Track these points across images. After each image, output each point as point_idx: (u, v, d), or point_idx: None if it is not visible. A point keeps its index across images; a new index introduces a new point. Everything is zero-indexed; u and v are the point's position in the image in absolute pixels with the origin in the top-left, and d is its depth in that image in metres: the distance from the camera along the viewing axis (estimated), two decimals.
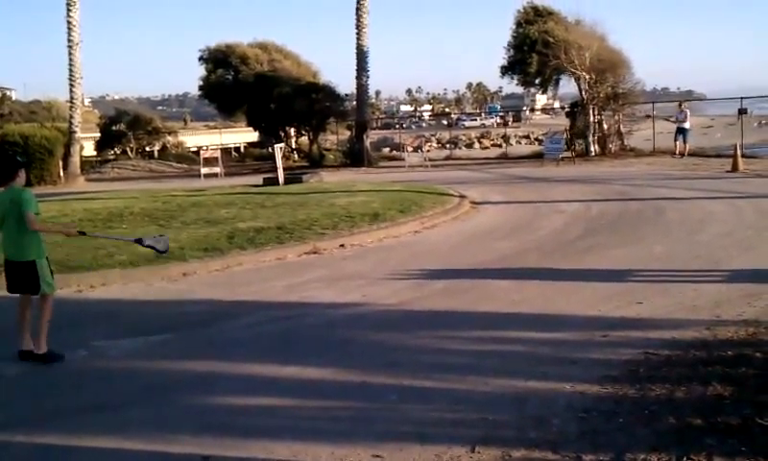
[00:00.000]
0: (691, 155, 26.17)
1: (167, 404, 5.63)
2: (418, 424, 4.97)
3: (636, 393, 5.30)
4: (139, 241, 7.69)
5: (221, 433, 4.98)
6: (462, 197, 17.10)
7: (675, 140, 26.60)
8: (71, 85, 31.84)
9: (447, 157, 34.90)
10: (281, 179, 23.06)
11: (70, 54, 31.53)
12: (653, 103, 29.62)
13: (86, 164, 36.78)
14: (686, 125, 26.20)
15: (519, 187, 19.97)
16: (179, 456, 4.69)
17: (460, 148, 44.84)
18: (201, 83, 38.46)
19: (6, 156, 7.83)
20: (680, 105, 27.32)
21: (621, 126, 29.65)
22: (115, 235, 6.20)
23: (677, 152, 26.10)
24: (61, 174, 30.68)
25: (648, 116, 30.92)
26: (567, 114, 32.86)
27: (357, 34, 32.91)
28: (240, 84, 36.02)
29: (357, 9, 32.64)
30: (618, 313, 7.32)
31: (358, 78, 33.49)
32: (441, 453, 4.49)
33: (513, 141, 46.36)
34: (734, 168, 20.59)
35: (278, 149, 24.98)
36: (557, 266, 9.73)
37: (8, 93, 43.04)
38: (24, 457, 4.83)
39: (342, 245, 12.13)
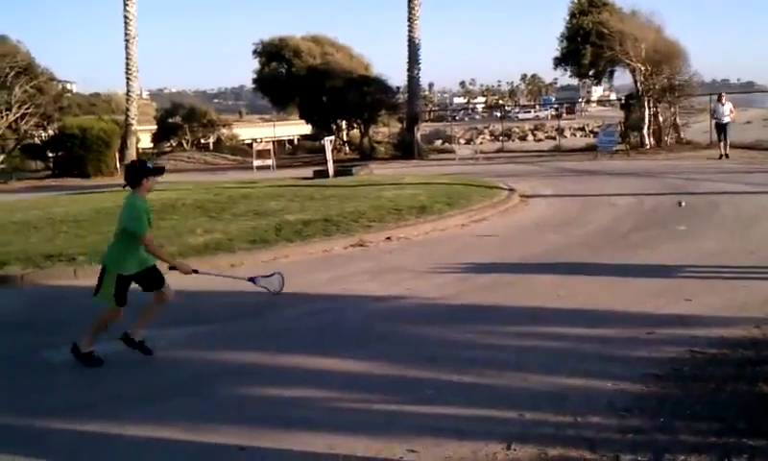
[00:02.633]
0: (749, 148, 25.42)
1: (207, 395, 5.72)
2: (454, 419, 4.95)
3: (679, 392, 5.19)
4: (252, 280, 7.28)
5: (259, 424, 5.03)
6: (511, 190, 16.95)
7: (719, 140, 23.36)
8: (128, 79, 32.50)
9: (499, 150, 34.62)
10: (331, 171, 23.19)
11: (127, 48, 32.18)
12: (710, 95, 28.88)
13: (143, 156, 37.48)
14: (726, 119, 23.03)
15: (571, 180, 19.72)
16: (216, 446, 4.75)
17: (513, 140, 44.43)
18: (255, 76, 38.80)
19: (137, 162, 7.78)
20: (720, 97, 24.20)
21: (677, 118, 29.03)
22: (227, 273, 6.10)
23: (722, 152, 22.77)
24: (118, 166, 31.33)
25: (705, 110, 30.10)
26: (622, 106, 32.31)
27: (409, 26, 32.90)
28: (293, 78, 36.25)
29: (409, 0, 32.58)
30: (665, 310, 7.17)
31: (410, 70, 33.48)
32: (477, 450, 4.46)
33: (567, 134, 45.72)
34: None
35: (328, 142, 25.11)
36: (605, 261, 9.58)
37: (68, 86, 44.04)
38: (66, 444, 4.94)
39: (388, 238, 12.14)
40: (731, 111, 23.02)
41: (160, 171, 6.98)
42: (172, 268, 6.97)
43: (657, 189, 16.31)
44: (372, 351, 6.45)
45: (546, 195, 16.84)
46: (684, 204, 6.39)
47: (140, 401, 5.65)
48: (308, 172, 24.45)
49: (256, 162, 30.29)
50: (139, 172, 6.70)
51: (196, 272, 7.11)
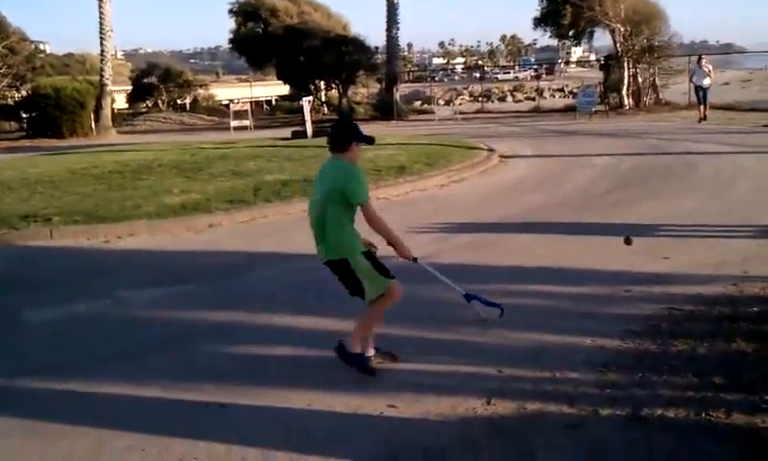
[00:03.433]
0: (728, 109, 25.51)
1: (186, 354, 5.68)
2: (434, 375, 4.96)
3: (657, 348, 5.23)
4: (469, 297, 5.34)
5: (239, 382, 5.02)
6: (491, 150, 16.91)
7: (698, 102, 22.49)
8: (101, 38, 31.89)
9: (479, 111, 34.50)
10: (310, 132, 23.03)
11: (101, 7, 31.52)
12: (689, 57, 28.85)
13: (118, 117, 37.00)
14: (706, 82, 22.16)
15: (550, 141, 19.72)
16: (196, 404, 4.73)
17: (492, 101, 44.23)
18: (231, 36, 38.30)
19: (345, 121, 5.81)
20: (699, 59, 23.33)
21: (656, 79, 29.03)
22: (450, 282, 4.61)
23: (701, 115, 22.05)
24: (93, 126, 30.93)
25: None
26: (602, 67, 32.25)
27: None
28: (270, 37, 35.80)
29: None
30: (643, 268, 7.21)
31: (388, 30, 33.17)
32: (456, 405, 4.48)
33: (546, 94, 45.52)
34: None
35: (307, 102, 24.89)
36: (584, 220, 9.60)
37: (40, 46, 43.22)
38: (46, 403, 4.90)
39: None
40: (710, 72, 22.82)
41: (371, 140, 5.26)
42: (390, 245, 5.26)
43: (635, 149, 16.34)
44: (351, 310, 6.40)
45: (526, 155, 16.82)
46: (633, 240, 6.07)
47: (120, 361, 5.61)
48: (286, 133, 24.26)
49: (234, 123, 30.02)
50: (350, 133, 5.08)
51: (415, 260, 5.34)
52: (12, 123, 36.25)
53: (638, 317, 5.86)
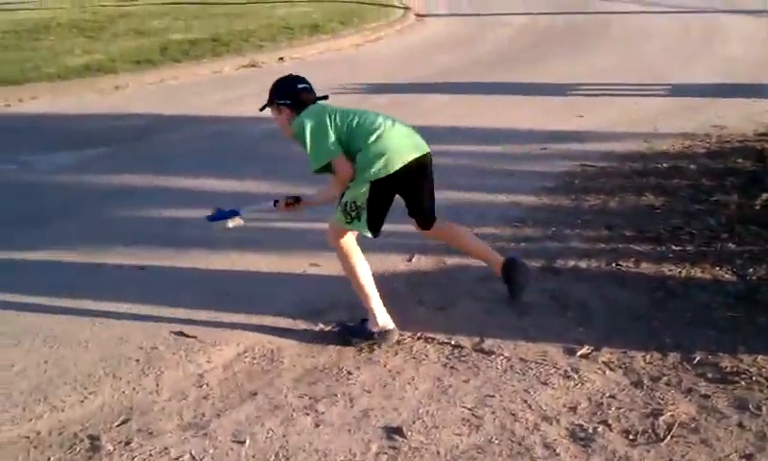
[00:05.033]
0: None
1: (99, 218, 5.53)
2: None
3: (570, 203, 5.38)
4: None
5: (157, 245, 4.94)
6: (407, 9, 16.54)
7: None
8: None
9: None
10: None
11: None
12: None
13: None
14: None
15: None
16: (113, 267, 4.64)
17: None
18: None
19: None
20: None
21: None
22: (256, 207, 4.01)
23: None
24: None
25: None
26: None
27: None
28: None
29: None
30: (558, 126, 7.32)
31: None
32: (378, 261, 4.49)
33: None
34: None
35: None
36: (500, 80, 9.61)
37: None
38: None
39: (281, 58, 11.75)
40: None
41: (300, 100, 3.83)
42: None
43: (550, 9, 16.27)
44: (269, 172, 6.32)
45: (442, 14, 16.55)
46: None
47: (31, 225, 5.40)
48: None
49: None
50: (273, 90, 3.94)
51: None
52: None
53: (553, 174, 5.99)
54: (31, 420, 3.13)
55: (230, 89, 9.81)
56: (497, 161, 6.41)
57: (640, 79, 9.26)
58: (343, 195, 3.64)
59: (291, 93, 3.81)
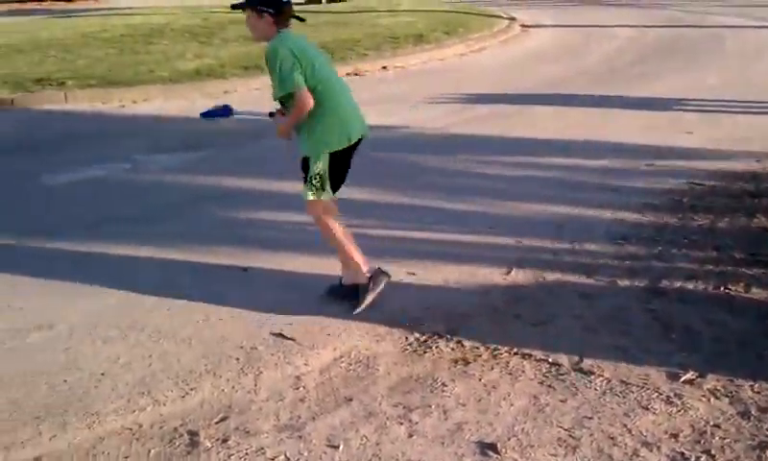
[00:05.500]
0: None
1: (204, 218, 5.70)
2: (453, 245, 4.97)
3: (677, 222, 5.21)
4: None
5: (260, 247, 5.04)
6: (512, 19, 16.45)
7: None
8: None
9: None
10: None
11: None
12: None
13: None
14: None
15: (573, 11, 19.11)
16: (219, 267, 4.77)
17: None
18: None
19: None
20: None
21: None
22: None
23: None
24: None
25: None
26: None
27: None
28: None
29: None
30: (666, 142, 7.10)
31: None
32: (475, 273, 4.50)
33: None
34: None
35: None
36: (605, 93, 9.40)
37: None
38: (65, 264, 4.95)
39: (384, 67, 11.86)
40: None
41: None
42: None
43: (659, 22, 15.86)
44: (369, 179, 6.34)
45: (547, 25, 16.36)
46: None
47: (138, 224, 5.64)
48: None
49: None
50: None
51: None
52: None
53: (659, 191, 5.81)
54: (134, 412, 3.26)
55: None
56: (601, 176, 6.27)
57: (755, 96, 8.88)
58: (306, 171, 3.97)
59: (275, 3, 3.90)
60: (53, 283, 4.62)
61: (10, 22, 20.50)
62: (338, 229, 4.08)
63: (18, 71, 11.55)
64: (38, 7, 27.81)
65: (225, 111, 4.02)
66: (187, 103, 9.83)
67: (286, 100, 3.92)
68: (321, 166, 3.95)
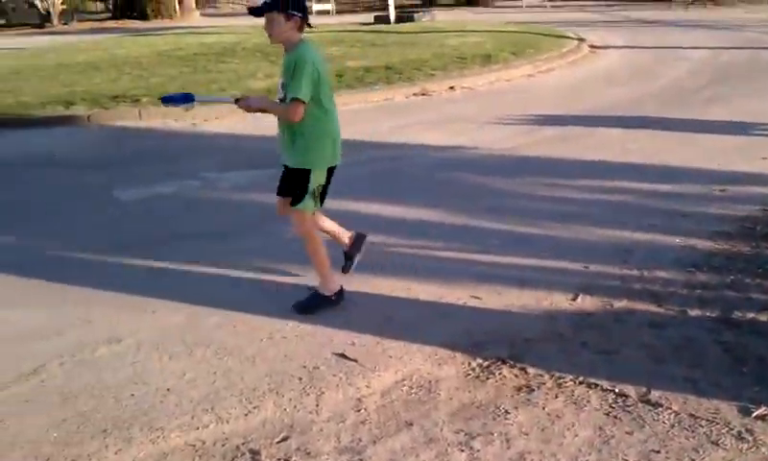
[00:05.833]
0: None
1: (272, 236, 5.76)
2: (518, 269, 4.92)
3: (750, 251, 5.05)
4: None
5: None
6: (580, 40, 16.29)
7: None
8: None
9: None
10: (392, 17, 22.56)
11: None
12: None
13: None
14: None
15: (643, 31, 18.85)
16: (285, 285, 4.82)
17: None
18: None
19: None
20: None
21: None
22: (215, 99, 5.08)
23: None
24: (177, 8, 31.04)
25: None
26: None
27: None
28: None
29: None
30: (739, 168, 6.91)
31: None
32: (540, 298, 4.44)
33: None
34: None
35: None
36: (677, 116, 9.22)
37: None
38: (136, 278, 5.08)
39: (451, 87, 11.86)
40: None
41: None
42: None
43: (733, 43, 15.49)
44: (436, 200, 6.40)
45: (617, 46, 16.15)
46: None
47: (208, 240, 5.75)
48: (369, 17, 23.83)
49: (315, 6, 29.63)
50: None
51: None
52: (99, 4, 36.72)
53: (732, 218, 5.65)
54: (197, 428, 3.31)
55: (401, 116, 10.01)
56: (671, 201, 6.13)
57: None
58: (306, 186, 4.26)
59: (303, 8, 4.14)
60: (122, 297, 4.74)
61: (90, 40, 21.25)
62: (321, 248, 4.45)
63: (95, 88, 11.95)
64: (117, 26, 28.78)
65: (186, 98, 4.21)
66: (257, 121, 9.98)
67: (285, 98, 4.21)
68: (320, 179, 4.33)
